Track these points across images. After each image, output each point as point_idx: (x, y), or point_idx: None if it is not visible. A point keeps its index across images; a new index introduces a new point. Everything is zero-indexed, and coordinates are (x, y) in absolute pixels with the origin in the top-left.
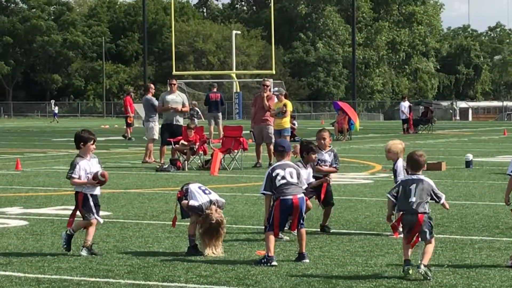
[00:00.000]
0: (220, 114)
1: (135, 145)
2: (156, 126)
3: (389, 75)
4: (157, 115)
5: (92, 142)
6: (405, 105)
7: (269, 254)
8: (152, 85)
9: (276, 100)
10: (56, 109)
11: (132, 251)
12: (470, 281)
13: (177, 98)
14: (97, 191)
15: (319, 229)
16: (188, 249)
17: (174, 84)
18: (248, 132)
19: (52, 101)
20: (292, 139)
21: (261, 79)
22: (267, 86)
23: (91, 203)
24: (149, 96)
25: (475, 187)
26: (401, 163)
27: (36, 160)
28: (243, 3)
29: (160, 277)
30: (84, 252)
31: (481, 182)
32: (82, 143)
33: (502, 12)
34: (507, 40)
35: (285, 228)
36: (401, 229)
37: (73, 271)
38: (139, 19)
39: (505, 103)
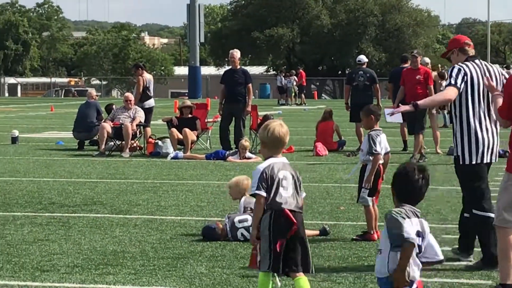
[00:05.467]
0: None
1: None
2: None
3: None
4: None
5: None
6: None
7: None
8: None
9: None
10: None
11: None
12: (10, 257)
13: None
14: None
15: None
16: None
17: None
18: None
19: None
20: None
21: None
22: None
23: None
24: None
25: (20, 163)
26: None
27: None
28: None
29: None
30: None
31: (27, 158)
32: None
33: None
34: (55, 17)
35: None
36: None
37: None
38: None
39: (53, 79)
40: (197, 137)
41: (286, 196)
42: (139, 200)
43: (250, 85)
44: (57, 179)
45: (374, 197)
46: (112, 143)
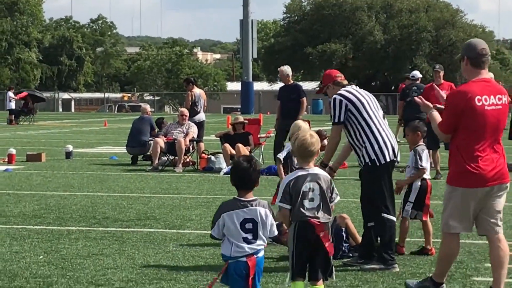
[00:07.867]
0: None
1: None
2: None
3: None
4: None
5: None
6: (10, 95)
7: None
8: None
9: None
10: None
11: None
12: (65, 271)
13: None
14: None
15: None
16: None
17: None
18: None
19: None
20: None
21: None
22: None
23: None
24: None
25: (74, 178)
26: None
27: None
28: None
29: None
30: None
31: (81, 173)
32: None
33: (104, 4)
34: (109, 33)
35: None
36: None
37: None
38: None
39: (107, 94)
40: (250, 152)
41: (311, 207)
42: (192, 215)
43: (303, 98)
44: (111, 194)
45: (423, 213)
46: (165, 158)
